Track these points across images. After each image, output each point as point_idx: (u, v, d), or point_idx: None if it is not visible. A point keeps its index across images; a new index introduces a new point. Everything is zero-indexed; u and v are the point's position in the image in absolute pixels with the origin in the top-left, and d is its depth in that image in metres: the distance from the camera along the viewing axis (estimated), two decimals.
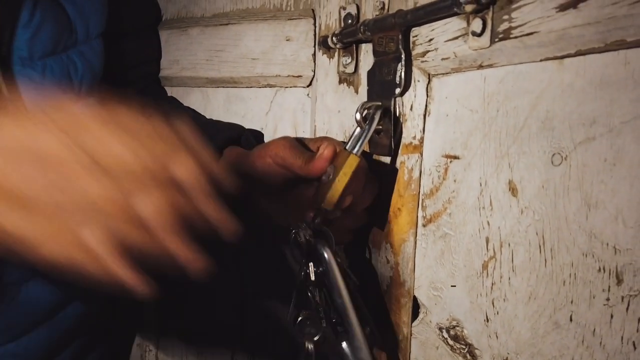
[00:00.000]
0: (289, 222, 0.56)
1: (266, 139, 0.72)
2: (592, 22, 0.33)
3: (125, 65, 0.73)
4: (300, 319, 0.47)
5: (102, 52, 0.62)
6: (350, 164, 0.46)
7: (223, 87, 0.75)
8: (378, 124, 0.51)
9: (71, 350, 0.66)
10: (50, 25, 0.53)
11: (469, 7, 0.40)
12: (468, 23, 0.43)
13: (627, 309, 0.33)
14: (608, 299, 0.34)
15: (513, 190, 0.41)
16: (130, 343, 0.90)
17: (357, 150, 0.46)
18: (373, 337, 0.48)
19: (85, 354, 0.69)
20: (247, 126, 0.73)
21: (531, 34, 0.37)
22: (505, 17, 0.39)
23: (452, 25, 0.45)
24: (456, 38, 0.44)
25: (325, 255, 0.45)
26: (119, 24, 0.70)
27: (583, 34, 0.34)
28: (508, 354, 0.42)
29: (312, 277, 0.46)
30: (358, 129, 0.50)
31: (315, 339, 0.45)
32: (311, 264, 0.46)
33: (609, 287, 0.34)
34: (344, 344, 0.46)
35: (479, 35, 0.41)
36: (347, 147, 0.50)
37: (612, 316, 0.34)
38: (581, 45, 0.35)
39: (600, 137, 0.34)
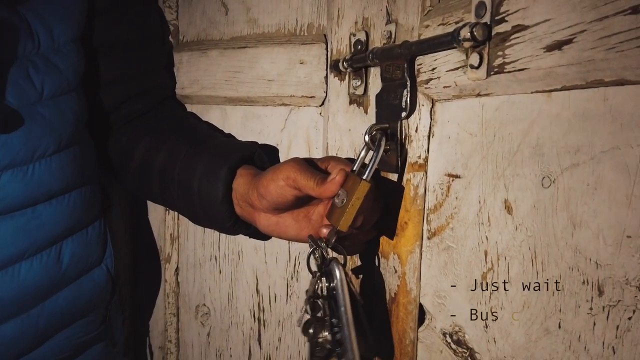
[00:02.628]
0: (299, 237, 0.61)
1: (281, 154, 0.77)
2: (575, 63, 0.37)
3: (130, 73, 0.77)
4: (306, 321, 0.53)
5: (75, 57, 0.66)
6: (363, 190, 0.50)
7: (241, 105, 0.80)
8: (386, 144, 0.55)
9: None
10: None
11: (467, 44, 0.44)
12: (467, 56, 0.47)
13: (607, 317, 0.37)
14: (591, 309, 0.38)
15: (508, 209, 0.45)
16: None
17: (367, 176, 0.51)
18: (369, 349, 0.53)
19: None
20: (263, 141, 0.78)
21: (522, 69, 0.41)
22: (500, 53, 0.43)
23: (453, 57, 0.49)
24: (456, 69, 0.49)
25: (338, 274, 0.51)
26: (120, 33, 0.74)
27: (567, 73, 0.38)
28: (505, 357, 0.46)
29: (324, 291, 0.51)
30: (365, 151, 0.55)
31: (319, 340, 0.51)
32: (324, 278, 0.51)
33: (592, 298, 0.38)
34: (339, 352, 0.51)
35: (477, 68, 0.45)
36: (354, 169, 0.54)
37: (594, 324, 0.38)
38: (566, 82, 0.39)
39: (583, 164, 0.38)
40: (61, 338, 0.69)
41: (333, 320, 0.52)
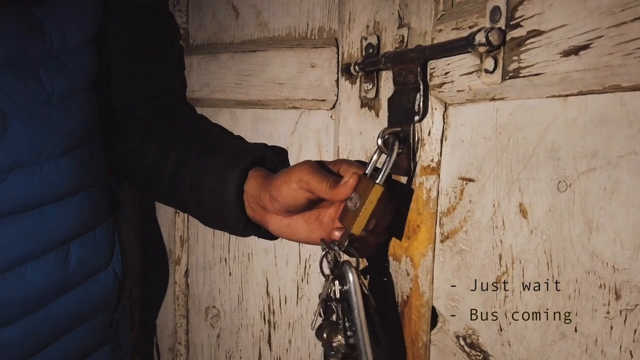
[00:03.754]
0: (310, 239, 0.61)
1: (291, 157, 0.77)
2: (592, 69, 0.37)
3: (141, 76, 0.77)
4: (320, 325, 0.53)
5: (87, 59, 0.66)
6: (376, 194, 0.50)
7: (251, 108, 0.80)
8: (398, 148, 0.55)
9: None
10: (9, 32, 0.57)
11: (482, 49, 0.44)
12: (481, 60, 0.47)
13: (624, 321, 0.37)
14: (608, 312, 0.38)
15: (523, 212, 0.46)
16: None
17: (381, 180, 0.51)
18: (382, 353, 0.53)
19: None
20: (273, 144, 0.78)
21: (538, 74, 0.41)
22: (515, 57, 0.43)
23: (467, 61, 0.49)
24: (470, 73, 0.49)
25: (351, 277, 0.51)
26: (132, 36, 0.75)
27: (584, 78, 0.38)
28: None
29: (337, 294, 0.52)
30: (377, 154, 0.55)
31: (334, 344, 0.51)
32: (337, 282, 0.52)
33: (609, 301, 0.38)
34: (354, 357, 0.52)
35: (491, 72, 0.46)
36: (367, 172, 0.55)
37: (612, 328, 0.38)
38: (582, 87, 0.39)
39: (600, 168, 0.38)
40: (67, 341, 0.69)
41: (347, 324, 0.52)
